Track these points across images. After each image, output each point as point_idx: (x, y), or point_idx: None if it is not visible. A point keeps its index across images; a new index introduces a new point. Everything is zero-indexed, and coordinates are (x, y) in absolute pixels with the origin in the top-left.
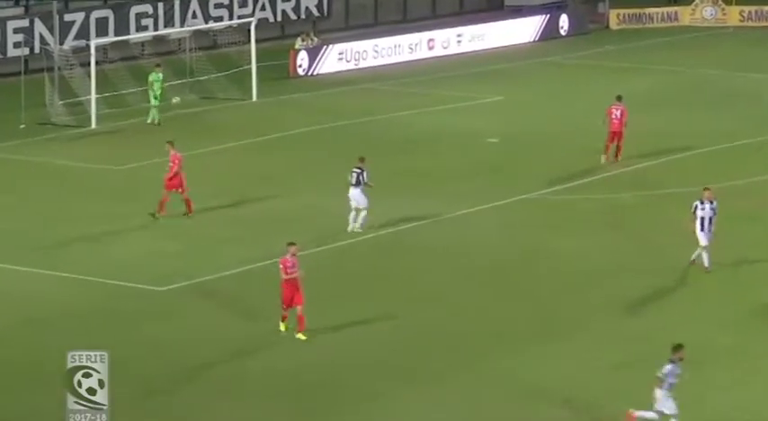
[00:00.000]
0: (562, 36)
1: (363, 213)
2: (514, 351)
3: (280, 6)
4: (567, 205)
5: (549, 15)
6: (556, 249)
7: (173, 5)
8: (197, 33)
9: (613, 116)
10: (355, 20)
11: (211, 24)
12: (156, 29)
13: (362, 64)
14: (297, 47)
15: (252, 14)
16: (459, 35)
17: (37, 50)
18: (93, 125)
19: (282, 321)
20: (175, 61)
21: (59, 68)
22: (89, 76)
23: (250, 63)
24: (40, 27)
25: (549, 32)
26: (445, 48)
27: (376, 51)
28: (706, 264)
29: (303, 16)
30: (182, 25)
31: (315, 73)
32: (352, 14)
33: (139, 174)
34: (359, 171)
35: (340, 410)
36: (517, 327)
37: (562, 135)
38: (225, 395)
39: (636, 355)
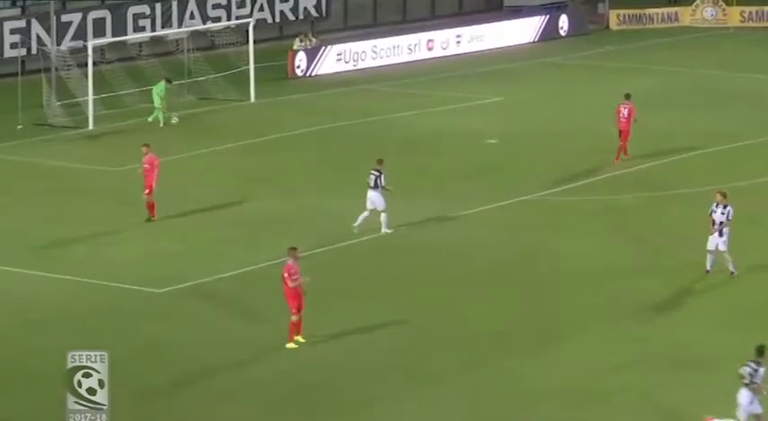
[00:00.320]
0: (562, 37)
1: (383, 215)
2: (515, 352)
3: (278, 7)
4: (567, 206)
5: (548, 16)
6: (556, 250)
7: (170, 6)
8: (195, 34)
9: (621, 114)
10: (354, 20)
11: (209, 25)
12: (153, 29)
13: (361, 65)
14: (295, 47)
15: (250, 15)
16: (458, 36)
17: (34, 51)
18: (91, 126)
19: (299, 333)
20: (173, 62)
21: (56, 69)
22: (86, 76)
23: (248, 64)
24: (37, 28)
25: (549, 33)
26: (444, 48)
27: (375, 52)
28: (708, 267)
29: (301, 17)
30: (179, 26)
31: (313, 74)
32: (351, 15)
33: (137, 176)
34: (377, 174)
35: (340, 413)
36: (518, 329)
37: (562, 136)
38: (224, 397)
39: (636, 356)
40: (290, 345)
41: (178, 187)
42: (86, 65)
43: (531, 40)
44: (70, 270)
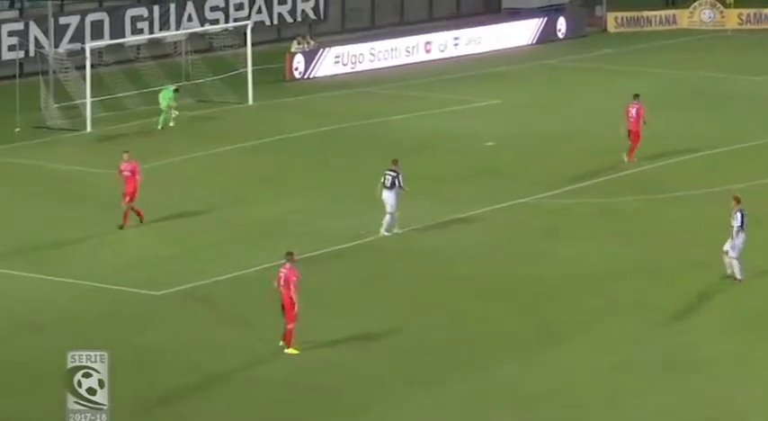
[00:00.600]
0: (560, 39)
1: (387, 217)
2: (514, 355)
3: (276, 9)
4: (565, 209)
5: (546, 18)
6: (555, 253)
7: (168, 8)
8: (193, 36)
9: (630, 115)
10: (352, 23)
11: (207, 27)
12: (151, 32)
13: (359, 67)
14: (293, 50)
15: (248, 17)
16: (456, 38)
17: (32, 53)
18: (89, 128)
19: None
20: (171, 65)
21: (54, 72)
22: (84, 79)
23: (246, 66)
24: (35, 30)
25: (547, 35)
26: (442, 51)
27: (372, 54)
28: (728, 271)
29: (299, 19)
30: (177, 28)
31: (311, 76)
32: (349, 17)
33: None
34: (394, 174)
35: (338, 416)
36: (517, 331)
37: (560, 138)
38: (221, 401)
39: (635, 359)
40: (291, 351)
41: (176, 190)
42: (84, 67)
43: (529, 43)
44: (68, 272)
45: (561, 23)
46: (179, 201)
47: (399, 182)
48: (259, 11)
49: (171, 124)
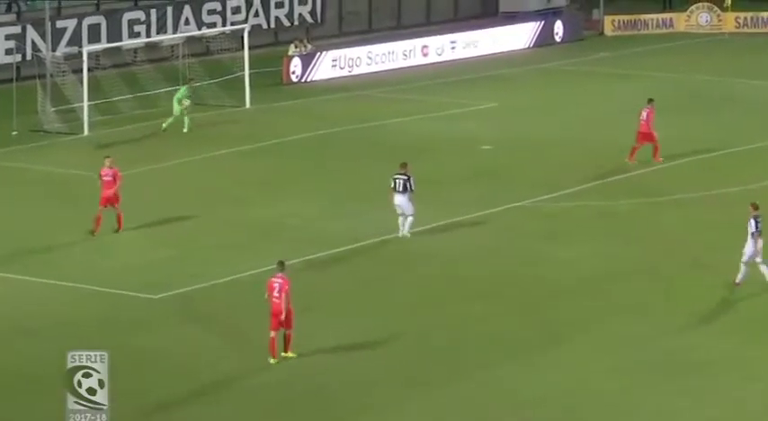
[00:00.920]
0: (557, 42)
1: (410, 219)
2: (513, 358)
3: (273, 13)
4: (564, 212)
5: (543, 22)
6: (552, 256)
7: (165, 12)
8: (190, 40)
9: (641, 117)
10: (349, 26)
11: (204, 31)
12: (148, 35)
13: (356, 71)
14: (290, 53)
15: (245, 21)
16: (453, 42)
17: (29, 57)
18: (86, 132)
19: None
20: (168, 68)
21: (51, 75)
22: (81, 82)
23: (243, 70)
24: (32, 33)
25: (544, 39)
26: (439, 54)
27: (370, 58)
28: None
29: (296, 23)
30: (175, 32)
31: (308, 80)
32: (346, 21)
33: (132, 181)
34: (405, 178)
35: (334, 419)
36: (516, 334)
37: (557, 141)
38: (218, 405)
39: (635, 361)
40: (287, 355)
41: (173, 193)
42: (81, 71)
43: (526, 46)
44: (64, 276)
45: (558, 27)
46: (176, 204)
47: (411, 185)
48: (256, 14)
49: (185, 130)
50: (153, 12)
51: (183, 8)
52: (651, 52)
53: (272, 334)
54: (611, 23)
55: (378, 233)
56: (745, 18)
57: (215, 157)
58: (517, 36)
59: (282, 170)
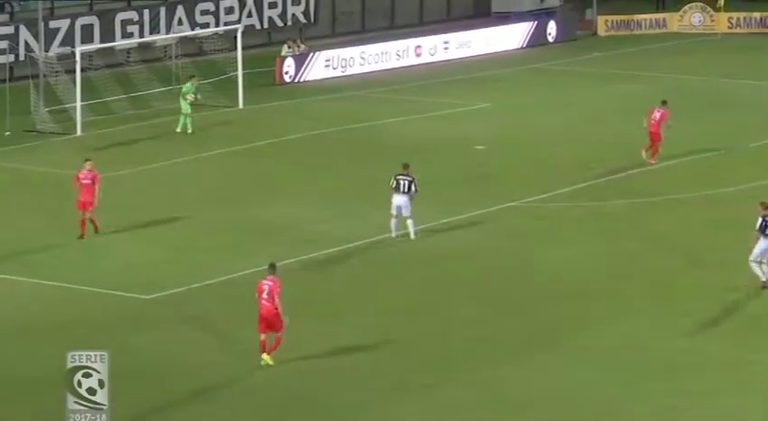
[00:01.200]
0: (550, 43)
1: (410, 221)
2: (507, 359)
3: (266, 13)
4: (555, 213)
5: (536, 22)
6: (545, 256)
7: (158, 12)
8: (183, 40)
9: (652, 117)
10: (342, 27)
11: (198, 31)
12: (141, 36)
13: (349, 71)
14: (283, 54)
15: (238, 21)
16: (446, 42)
17: (22, 57)
18: (79, 132)
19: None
20: (161, 68)
21: (44, 75)
22: (74, 82)
23: (236, 70)
24: (25, 34)
25: (537, 39)
26: (432, 54)
27: (363, 58)
28: (762, 278)
29: (290, 23)
30: (168, 32)
31: (301, 80)
32: (339, 21)
33: (125, 181)
34: (409, 179)
35: None
36: (507, 335)
37: (550, 142)
38: (212, 406)
39: (631, 362)
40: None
41: (166, 193)
42: (74, 71)
43: (519, 46)
44: (57, 276)
45: (551, 27)
46: (169, 204)
47: (416, 187)
48: (249, 15)
49: (189, 130)
50: (146, 12)
51: (176, 8)
52: (644, 52)
53: (262, 336)
54: (604, 23)
55: (371, 233)
56: (738, 18)
57: (208, 158)
58: (510, 36)
59: (275, 170)
